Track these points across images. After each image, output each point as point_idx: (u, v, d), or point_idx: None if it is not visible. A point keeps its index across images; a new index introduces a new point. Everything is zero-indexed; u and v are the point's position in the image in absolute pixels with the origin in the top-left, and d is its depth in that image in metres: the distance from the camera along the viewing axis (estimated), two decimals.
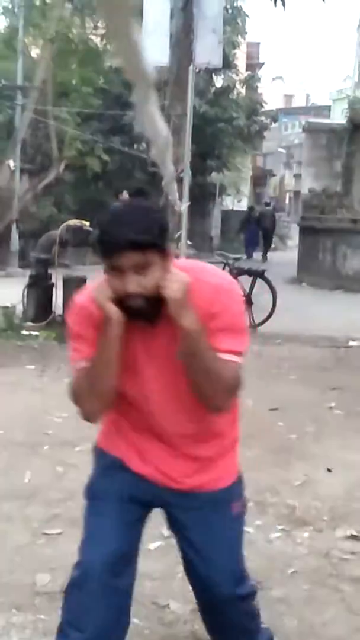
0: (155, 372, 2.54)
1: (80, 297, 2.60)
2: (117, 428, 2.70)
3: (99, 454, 2.77)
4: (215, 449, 2.68)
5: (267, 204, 34.30)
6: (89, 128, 24.29)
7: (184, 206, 9.89)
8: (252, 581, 2.87)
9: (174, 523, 2.76)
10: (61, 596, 3.64)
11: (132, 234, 2.30)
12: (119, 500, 2.63)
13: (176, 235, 10.30)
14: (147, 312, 2.41)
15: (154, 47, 10.55)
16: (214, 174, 30.76)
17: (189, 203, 10.25)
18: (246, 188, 45.02)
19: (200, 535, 2.68)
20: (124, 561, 2.61)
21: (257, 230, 29.54)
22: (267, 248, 29.23)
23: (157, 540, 4.12)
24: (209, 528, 2.68)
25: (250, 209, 32.69)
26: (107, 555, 2.56)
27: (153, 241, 2.33)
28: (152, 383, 2.55)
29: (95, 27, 24.03)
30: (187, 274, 2.40)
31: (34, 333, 10.42)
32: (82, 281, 11.13)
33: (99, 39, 24.19)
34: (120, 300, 2.38)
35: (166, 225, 2.45)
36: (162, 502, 2.72)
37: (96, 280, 2.50)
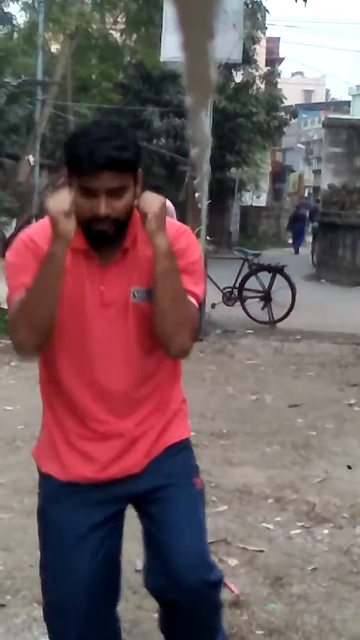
0: (104, 313, 2.39)
1: (25, 232, 2.48)
2: (54, 427, 2.58)
3: (41, 477, 2.62)
4: (157, 412, 2.53)
5: (318, 201, 34.78)
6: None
7: (203, 205, 9.89)
8: (218, 568, 2.69)
9: (139, 508, 2.60)
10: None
11: (114, 153, 2.20)
12: (80, 534, 2.47)
13: (196, 231, 10.31)
14: (111, 237, 2.32)
15: (175, 43, 10.55)
16: (233, 169, 30.70)
17: (209, 201, 10.25)
18: (265, 184, 44.90)
19: (168, 513, 2.49)
20: (102, 583, 2.51)
21: (303, 227, 31.67)
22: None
23: None
24: (173, 506, 2.50)
25: (298, 207, 34.20)
26: (83, 587, 2.47)
27: (133, 161, 2.26)
28: (98, 328, 2.40)
29: (115, 22, 24.07)
30: None
31: None
32: None
33: (118, 34, 24.24)
34: (84, 223, 2.28)
35: (138, 144, 2.36)
36: (126, 497, 2.55)
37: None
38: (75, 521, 2.47)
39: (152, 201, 2.27)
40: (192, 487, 2.56)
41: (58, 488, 2.51)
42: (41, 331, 2.34)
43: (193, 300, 2.40)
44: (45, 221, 2.37)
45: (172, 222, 2.46)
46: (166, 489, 2.50)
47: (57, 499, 2.52)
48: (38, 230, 2.42)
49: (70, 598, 2.46)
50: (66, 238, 2.23)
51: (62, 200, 2.23)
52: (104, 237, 2.30)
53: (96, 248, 2.35)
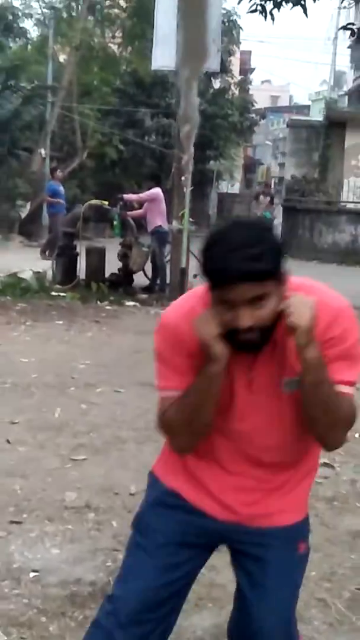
0: (254, 402, 1.87)
1: (170, 315, 1.89)
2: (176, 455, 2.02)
3: (153, 481, 2.07)
4: (289, 475, 1.99)
5: (267, 186, 34.47)
6: (108, 122, 24.07)
7: (187, 189, 9.82)
8: (298, 633, 2.11)
9: (236, 555, 2.05)
10: (85, 512, 3.71)
11: (248, 265, 1.65)
12: (166, 540, 1.98)
13: (180, 213, 10.25)
14: (257, 344, 1.78)
15: (164, 54, 10.40)
16: (211, 162, 30.52)
17: (192, 187, 10.17)
18: (238, 174, 44.70)
19: (262, 571, 1.97)
20: (160, 605, 1.96)
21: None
22: None
23: None
24: (271, 568, 1.96)
25: (257, 194, 33.63)
26: (142, 595, 1.94)
27: (271, 270, 1.69)
28: (247, 414, 1.89)
29: (113, 37, 23.81)
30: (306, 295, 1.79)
31: (62, 294, 10.40)
32: (102, 251, 11.11)
33: (116, 46, 23.98)
34: (227, 332, 1.74)
35: (281, 246, 1.74)
36: (223, 539, 2.04)
37: (195, 294, 1.89)
38: (170, 529, 2.00)
39: (300, 313, 1.70)
40: (297, 551, 2.02)
41: (167, 496, 2.02)
42: (199, 435, 1.90)
43: (346, 389, 1.83)
44: (189, 303, 1.88)
45: (328, 304, 1.82)
46: (268, 550, 1.98)
47: (162, 505, 2.03)
48: (182, 316, 1.85)
49: (129, 599, 1.96)
50: (224, 361, 1.77)
51: (208, 323, 1.74)
52: (250, 347, 1.78)
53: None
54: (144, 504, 2.08)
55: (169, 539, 1.98)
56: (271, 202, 20.75)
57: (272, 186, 37.29)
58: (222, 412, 1.87)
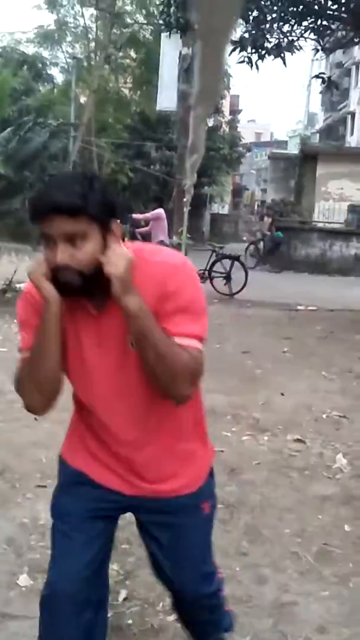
0: (103, 362, 1.67)
1: (28, 284, 1.69)
2: (79, 434, 1.85)
3: (61, 465, 1.92)
4: (175, 452, 1.80)
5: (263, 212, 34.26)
6: (120, 154, 24.06)
7: (186, 210, 9.83)
8: (219, 574, 2.02)
9: (141, 525, 1.90)
10: None
11: (59, 197, 1.49)
12: (82, 518, 1.79)
13: (180, 230, 10.25)
14: (83, 289, 1.56)
15: (167, 98, 10.40)
16: (205, 187, 30.48)
17: (190, 208, 10.18)
18: (228, 198, 44.60)
19: (169, 539, 1.84)
20: (92, 576, 1.78)
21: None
22: None
23: None
24: (178, 532, 1.83)
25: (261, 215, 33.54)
26: (74, 574, 1.75)
27: (82, 206, 1.49)
28: (98, 375, 1.68)
29: (125, 82, 23.80)
30: (138, 255, 1.58)
31: None
32: None
33: (127, 90, 23.99)
34: (56, 276, 1.56)
35: (106, 196, 1.54)
36: (129, 508, 1.86)
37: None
38: (81, 505, 1.82)
39: (116, 261, 1.52)
40: (199, 513, 1.86)
41: (74, 476, 1.86)
42: (46, 392, 1.70)
43: (189, 342, 1.60)
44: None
45: (161, 260, 1.63)
46: (173, 517, 1.83)
47: (71, 485, 1.87)
48: None
49: (63, 581, 1.77)
50: (55, 302, 1.58)
51: (37, 264, 1.58)
52: (70, 289, 1.56)
53: (88, 297, 1.62)
54: (56, 489, 1.91)
55: (86, 514, 1.79)
56: (272, 222, 20.74)
57: (256, 208, 37.14)
58: (78, 375, 1.71)
